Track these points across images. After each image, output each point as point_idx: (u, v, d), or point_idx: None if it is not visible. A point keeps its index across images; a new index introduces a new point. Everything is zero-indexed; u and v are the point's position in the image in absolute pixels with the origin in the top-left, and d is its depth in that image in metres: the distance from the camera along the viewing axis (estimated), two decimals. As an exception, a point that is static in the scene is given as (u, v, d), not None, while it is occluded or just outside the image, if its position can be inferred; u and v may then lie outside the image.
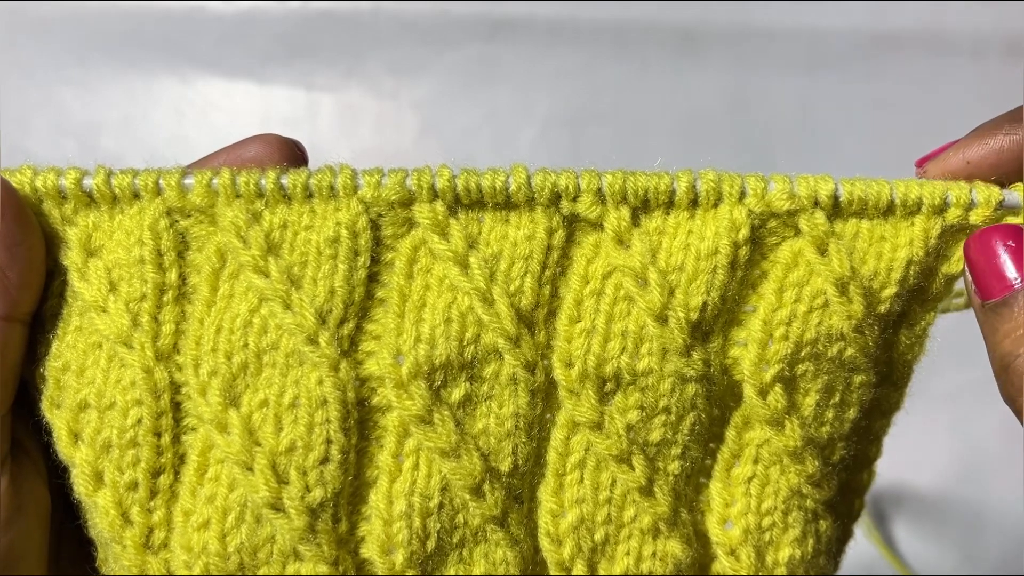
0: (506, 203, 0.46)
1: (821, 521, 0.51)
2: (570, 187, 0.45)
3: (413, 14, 1.15)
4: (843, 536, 0.55)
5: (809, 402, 0.48)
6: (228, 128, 1.14)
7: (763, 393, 0.47)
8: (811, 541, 0.50)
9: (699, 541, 0.50)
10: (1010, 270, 0.44)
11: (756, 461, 0.49)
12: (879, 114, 1.15)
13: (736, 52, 1.16)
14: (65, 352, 0.46)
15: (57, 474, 0.47)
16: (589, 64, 1.16)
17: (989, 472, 1.07)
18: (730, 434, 0.50)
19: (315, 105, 1.16)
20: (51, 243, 0.46)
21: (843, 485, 0.52)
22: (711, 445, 0.51)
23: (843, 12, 1.16)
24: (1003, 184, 0.46)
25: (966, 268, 0.46)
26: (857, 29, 1.16)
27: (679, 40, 1.16)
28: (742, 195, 0.46)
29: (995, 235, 0.45)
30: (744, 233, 0.46)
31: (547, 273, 0.47)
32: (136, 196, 0.46)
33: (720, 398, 0.49)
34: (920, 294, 0.49)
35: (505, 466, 0.47)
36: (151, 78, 1.14)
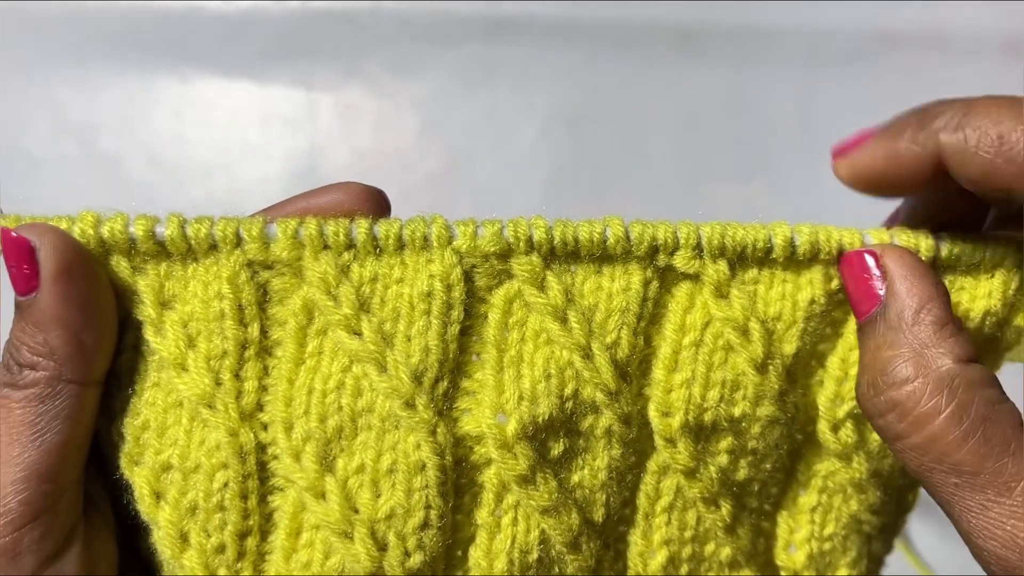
0: (601, 255, 0.44)
1: (874, 543, 0.52)
2: (668, 240, 0.44)
3: (413, 14, 1.15)
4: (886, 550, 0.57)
5: (876, 436, 0.48)
6: (228, 128, 1.14)
7: (836, 428, 0.48)
8: (864, 562, 0.52)
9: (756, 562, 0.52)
10: (875, 289, 0.44)
11: (822, 491, 0.50)
12: (879, 114, 1.14)
13: (736, 51, 1.16)
14: (144, 409, 0.44)
15: (120, 521, 0.45)
16: (589, 64, 1.16)
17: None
18: (800, 466, 0.51)
19: (314, 105, 1.15)
20: (120, 294, 0.43)
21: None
22: (779, 476, 0.51)
23: (843, 12, 1.16)
24: None
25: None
26: (857, 29, 1.16)
27: (679, 40, 1.16)
28: (840, 249, 0.46)
29: (863, 256, 0.45)
30: (836, 283, 0.46)
31: (641, 324, 0.46)
32: (213, 246, 0.42)
33: (791, 434, 0.50)
34: (992, 344, 0.49)
35: (598, 516, 0.47)
36: (151, 78, 1.13)
